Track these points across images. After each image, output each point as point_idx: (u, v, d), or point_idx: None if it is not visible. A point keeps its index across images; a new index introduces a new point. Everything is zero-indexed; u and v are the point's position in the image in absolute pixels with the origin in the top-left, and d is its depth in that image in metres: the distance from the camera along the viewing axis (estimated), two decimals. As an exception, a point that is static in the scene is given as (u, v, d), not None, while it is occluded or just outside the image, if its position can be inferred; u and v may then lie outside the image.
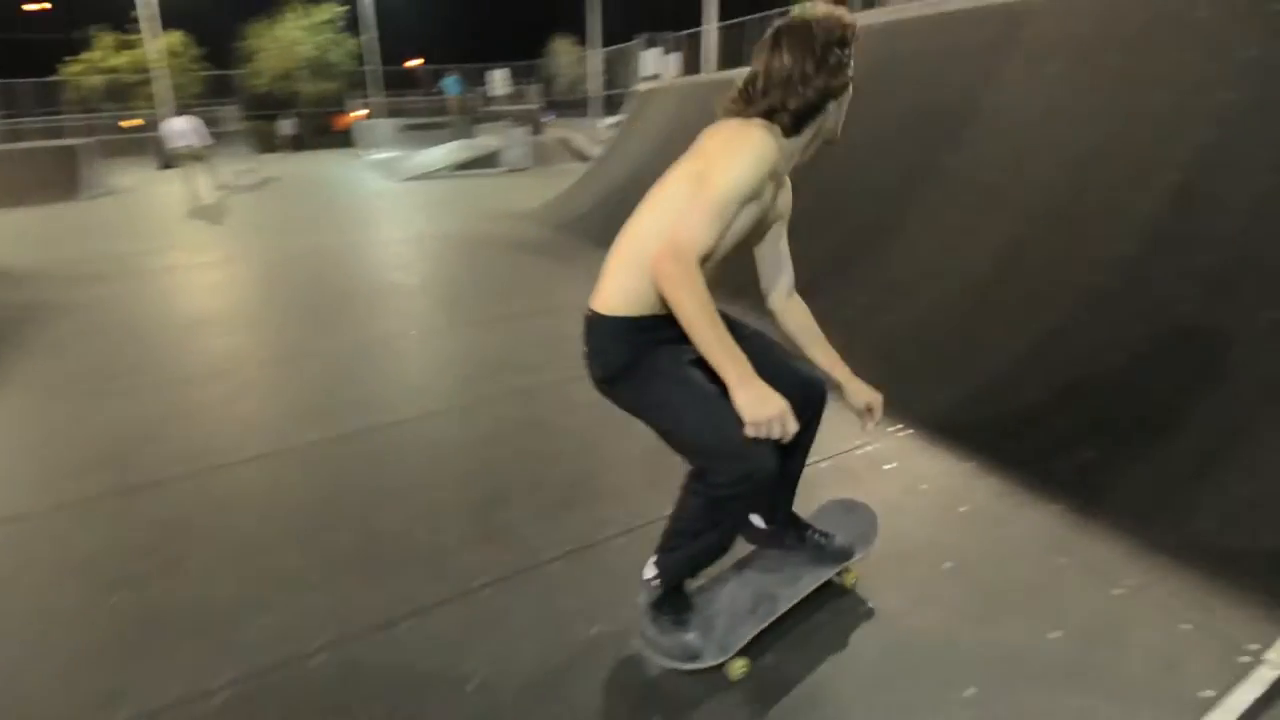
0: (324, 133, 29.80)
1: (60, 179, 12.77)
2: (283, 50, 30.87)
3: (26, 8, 33.59)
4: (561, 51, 33.49)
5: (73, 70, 28.42)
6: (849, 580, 1.94)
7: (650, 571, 1.63)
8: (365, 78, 31.43)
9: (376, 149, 22.38)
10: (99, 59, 28.87)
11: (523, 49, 32.30)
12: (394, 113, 28.48)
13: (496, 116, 17.50)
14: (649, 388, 1.48)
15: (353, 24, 32.11)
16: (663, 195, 1.47)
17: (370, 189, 12.99)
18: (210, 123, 26.81)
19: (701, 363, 1.38)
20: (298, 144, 26.42)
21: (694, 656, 1.59)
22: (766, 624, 1.68)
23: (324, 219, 9.58)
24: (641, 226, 1.48)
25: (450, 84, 28.30)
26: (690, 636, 1.61)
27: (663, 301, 1.36)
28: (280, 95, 30.75)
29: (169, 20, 29.61)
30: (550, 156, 15.94)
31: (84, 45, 28.99)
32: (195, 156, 11.63)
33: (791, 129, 1.47)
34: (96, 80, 28.41)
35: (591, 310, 1.51)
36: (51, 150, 13.43)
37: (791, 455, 1.65)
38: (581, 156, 15.74)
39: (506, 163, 14.62)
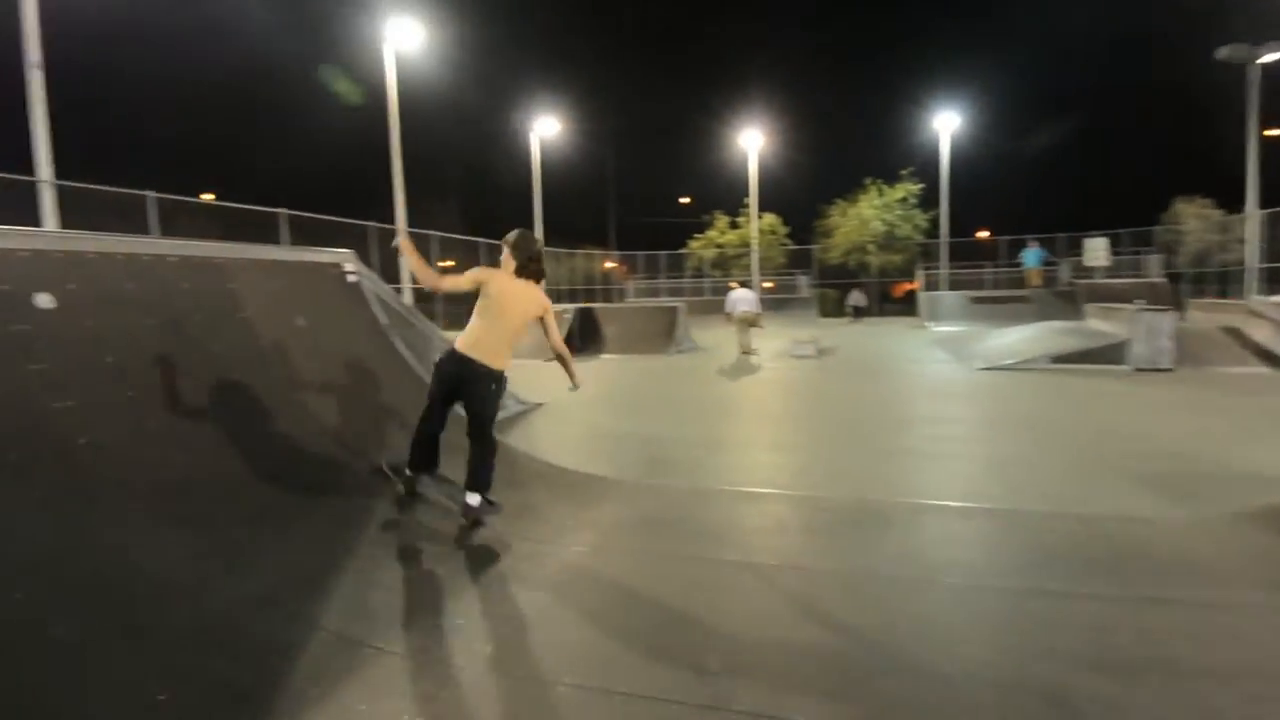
0: (886, 300, 30.01)
1: (660, 334, 14.49)
2: (857, 226, 32.75)
3: (682, 200, 44.74)
4: (1189, 214, 26.62)
5: (695, 245, 35.71)
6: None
7: (474, 499, 3.33)
8: (933, 249, 30.70)
9: (942, 321, 20.51)
10: (715, 236, 35.64)
11: (1128, 214, 26.89)
12: (959, 284, 26.64)
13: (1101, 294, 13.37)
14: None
15: (926, 200, 32.14)
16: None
17: (940, 376, 10.77)
18: (786, 289, 29.94)
19: None
20: (859, 313, 26.62)
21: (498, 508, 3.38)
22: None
23: (887, 417, 7.68)
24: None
25: (1031, 255, 24.94)
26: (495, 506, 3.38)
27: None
28: (850, 267, 32.42)
29: (768, 204, 34.95)
30: (1206, 352, 11.02)
31: (707, 226, 36.36)
32: (749, 321, 13.25)
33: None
34: (709, 253, 34.99)
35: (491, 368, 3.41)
36: (659, 310, 15.52)
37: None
38: (1269, 355, 10.39)
39: (1135, 359, 10.51)
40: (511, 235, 3.63)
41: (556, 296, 28.97)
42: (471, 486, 3.35)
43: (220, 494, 2.87)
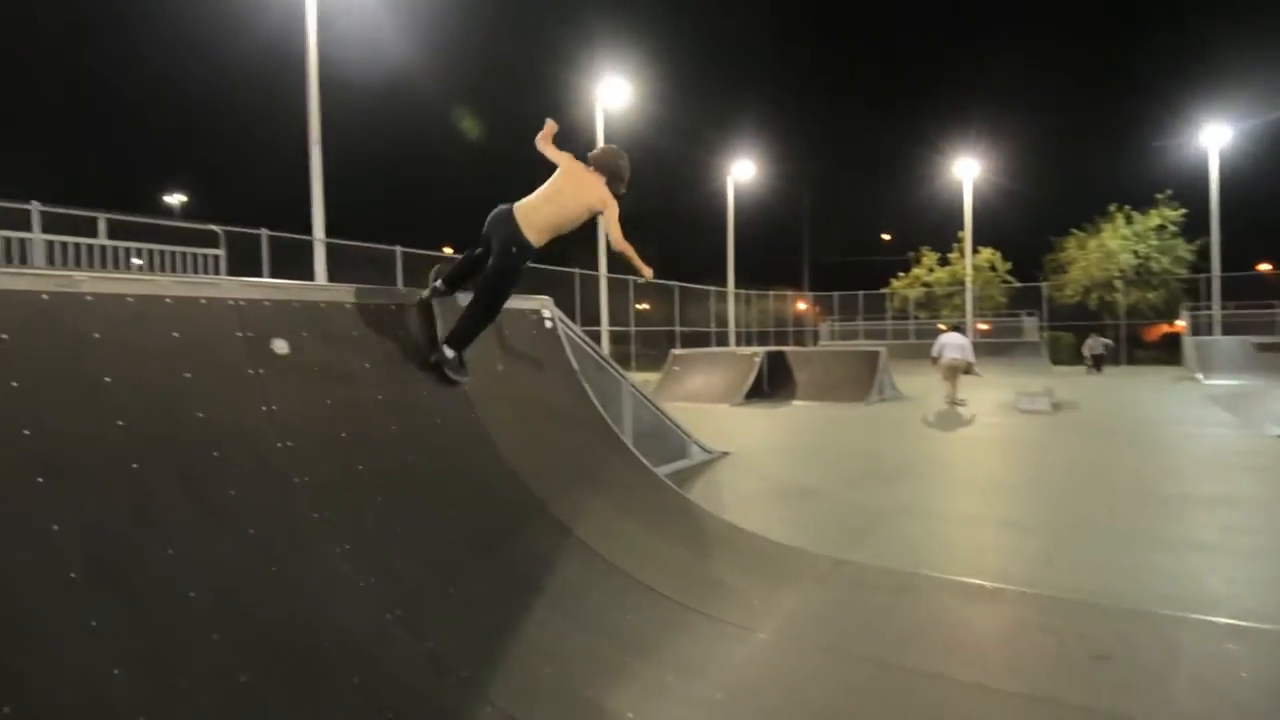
0: (1137, 345, 25.70)
1: (859, 380, 13.50)
2: (1099, 259, 28.55)
3: (883, 237, 42.38)
4: None
5: (898, 284, 33.40)
6: None
7: (448, 352, 3.67)
8: (1200, 285, 25.83)
9: (1216, 372, 16.95)
10: (921, 274, 33.08)
11: None
12: (1236, 328, 21.97)
13: None
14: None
15: (1189, 228, 27.21)
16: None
17: (1223, 443, 8.66)
18: (1009, 332, 26.75)
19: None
20: (1098, 362, 22.70)
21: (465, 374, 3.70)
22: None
23: (1155, 494, 6.21)
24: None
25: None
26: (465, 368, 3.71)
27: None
28: (1090, 307, 28.30)
29: (985, 238, 31.72)
30: None
31: (911, 263, 33.88)
32: (956, 369, 12.18)
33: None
34: (915, 292, 32.51)
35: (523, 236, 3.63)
36: (858, 354, 14.51)
37: None
38: None
39: None
40: (622, 162, 3.94)
41: (746, 339, 28.62)
42: (447, 340, 3.72)
43: (409, 541, 2.89)
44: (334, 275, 13.29)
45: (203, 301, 2.96)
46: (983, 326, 28.96)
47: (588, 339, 5.72)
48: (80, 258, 8.47)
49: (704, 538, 3.97)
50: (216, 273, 9.61)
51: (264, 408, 2.90)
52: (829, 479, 6.51)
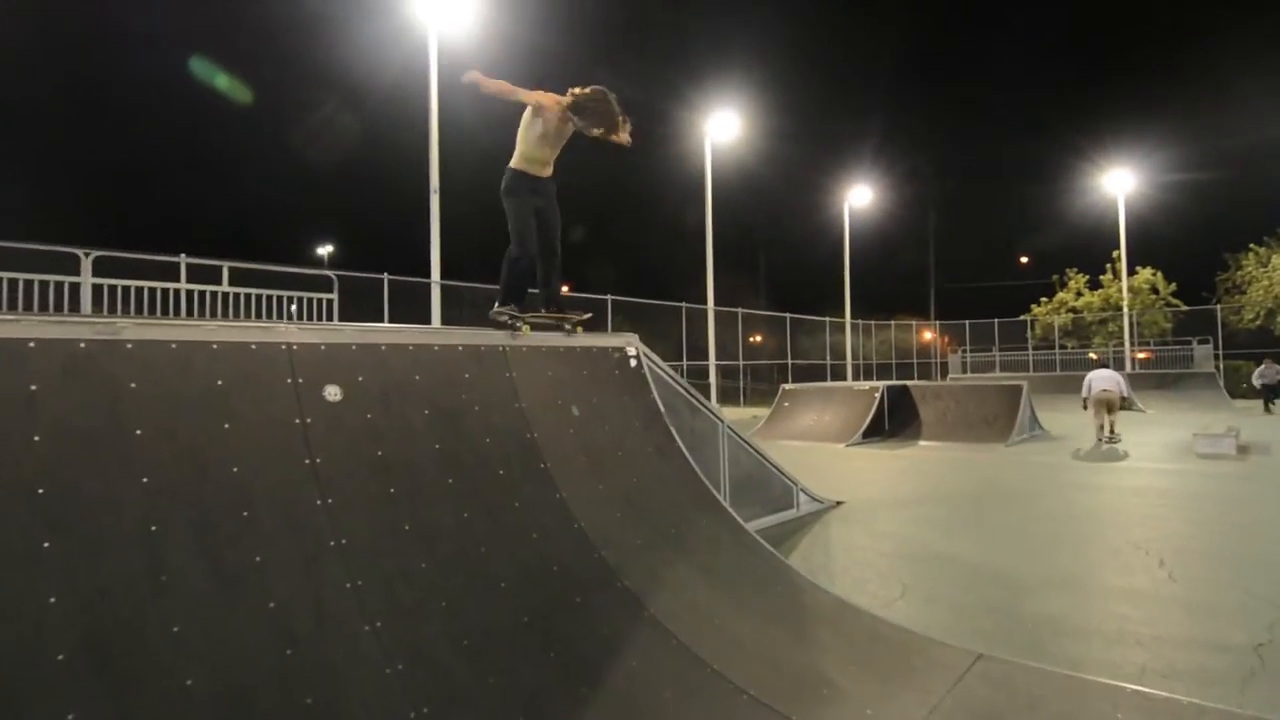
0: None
1: (998, 417, 12.10)
2: (1283, 278, 24.70)
3: (1020, 260, 39.09)
4: None
5: (1040, 310, 30.46)
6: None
7: (502, 310, 4.16)
8: None
9: None
10: (1068, 299, 30.01)
11: None
12: None
13: None
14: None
15: None
16: None
17: None
18: (1176, 362, 23.46)
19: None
20: (1272, 395, 18.04)
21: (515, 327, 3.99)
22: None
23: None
24: None
25: None
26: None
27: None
28: (1275, 332, 24.45)
29: (1144, 257, 28.31)
30: None
31: (1055, 288, 30.82)
32: (1108, 404, 11.42)
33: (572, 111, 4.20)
34: (1061, 319, 29.51)
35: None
36: (995, 389, 13.05)
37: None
38: None
39: None
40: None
41: (865, 372, 27.00)
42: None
43: (451, 617, 2.53)
44: (448, 316, 13.75)
45: (253, 347, 2.80)
46: (1142, 355, 25.68)
47: (677, 377, 5.26)
48: (207, 305, 9.19)
49: (807, 618, 3.35)
50: (330, 318, 10.12)
51: (306, 461, 2.67)
52: (964, 539, 5.60)
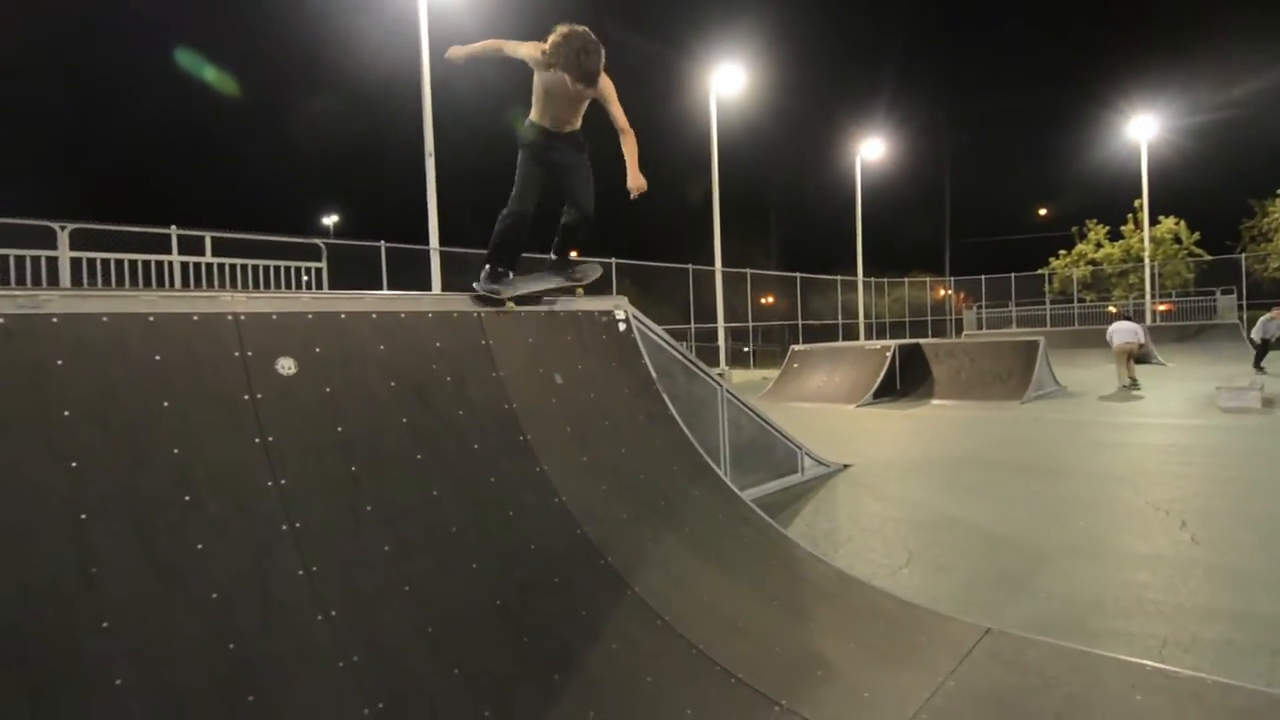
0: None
1: (1013, 374, 11.78)
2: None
3: (1039, 213, 38.03)
4: None
5: (1058, 263, 29.72)
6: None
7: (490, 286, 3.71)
8: None
9: None
10: (1088, 251, 29.24)
11: None
12: None
13: None
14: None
15: None
16: None
17: None
18: (1200, 313, 22.77)
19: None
20: (1265, 349, 15.22)
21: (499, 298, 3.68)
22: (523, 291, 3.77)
23: None
24: None
25: None
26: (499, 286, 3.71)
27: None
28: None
29: (1166, 206, 27.41)
30: None
31: (1074, 240, 30.01)
32: (1129, 352, 12.27)
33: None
34: (1080, 271, 28.79)
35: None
36: (1009, 344, 12.70)
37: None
38: None
39: None
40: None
41: (877, 331, 26.57)
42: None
43: (414, 604, 2.36)
44: (450, 284, 13.52)
45: (195, 318, 2.60)
46: (1163, 307, 25.01)
47: (672, 340, 5.02)
48: (191, 278, 9.01)
49: (804, 593, 3.17)
50: (319, 287, 9.93)
51: (256, 439, 2.49)
52: (975, 502, 5.39)
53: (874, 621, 2.97)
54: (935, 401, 11.72)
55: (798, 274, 23.74)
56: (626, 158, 3.68)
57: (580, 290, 4.32)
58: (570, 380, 3.81)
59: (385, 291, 3.37)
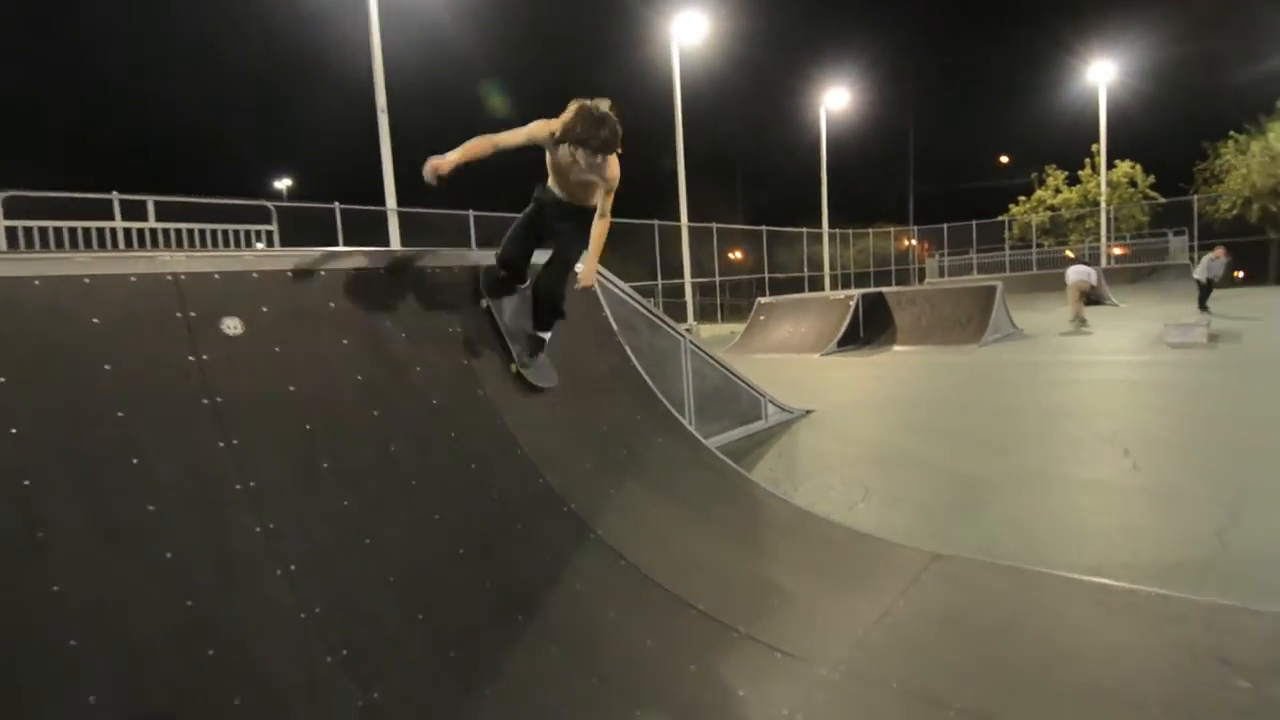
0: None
1: (971, 318, 12.04)
2: (1263, 164, 24.39)
3: (1001, 159, 38.34)
4: None
5: (1018, 209, 30.14)
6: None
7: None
8: None
9: None
10: (1046, 196, 29.67)
11: None
12: None
13: None
14: None
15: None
16: None
17: None
18: (1154, 254, 23.37)
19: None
20: (1207, 290, 15.06)
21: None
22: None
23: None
24: None
25: None
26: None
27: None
28: (1252, 221, 24.38)
29: (1123, 150, 27.82)
30: None
31: (1033, 186, 30.41)
32: (1082, 289, 13.31)
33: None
34: (1039, 217, 29.25)
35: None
36: (967, 290, 12.94)
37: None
38: None
39: None
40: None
41: (843, 282, 26.83)
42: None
43: (376, 556, 2.39)
44: (407, 244, 13.24)
45: (133, 279, 2.52)
46: (1118, 250, 25.61)
47: (634, 293, 5.02)
48: (135, 243, 8.69)
49: (763, 529, 3.27)
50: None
51: (205, 401, 2.45)
52: (930, 440, 5.57)
53: (828, 552, 3.09)
54: (897, 348, 11.95)
55: (764, 227, 23.73)
56: (592, 241, 3.40)
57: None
58: (529, 334, 3.79)
59: (335, 248, 3.30)
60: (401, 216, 13.23)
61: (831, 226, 27.05)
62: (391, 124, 13.42)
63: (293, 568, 2.21)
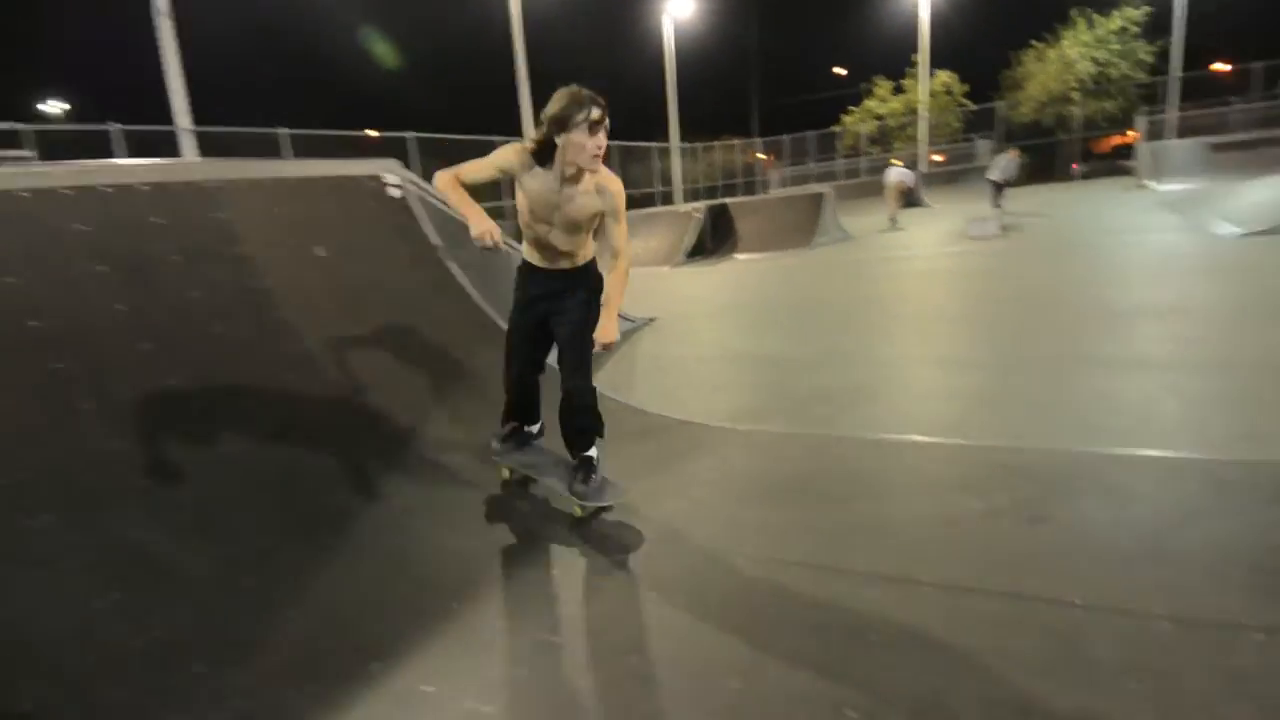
0: (1092, 158, 25.00)
1: (802, 226, 12.74)
2: (1057, 70, 27.09)
3: (837, 70, 39.79)
4: None
5: (849, 119, 31.71)
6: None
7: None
8: (1157, 90, 24.79)
9: (1169, 178, 16.41)
10: (875, 106, 31.35)
11: None
12: (1192, 130, 21.24)
13: None
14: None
15: (1153, 29, 25.60)
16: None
17: (1172, 249, 8.21)
18: (963, 158, 25.64)
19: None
20: (1000, 190, 16.90)
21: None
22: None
23: (1105, 312, 5.74)
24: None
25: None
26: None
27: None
28: (1045, 123, 27.18)
29: (943, 61, 29.77)
30: None
31: (863, 97, 32.01)
32: (900, 190, 14.89)
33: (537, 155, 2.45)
34: (867, 127, 30.96)
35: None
36: (800, 198, 13.64)
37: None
38: None
39: None
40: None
41: (694, 195, 27.31)
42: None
43: (156, 498, 2.22)
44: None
45: None
46: (938, 157, 27.83)
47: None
48: None
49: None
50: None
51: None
52: (759, 335, 5.94)
53: (648, 439, 3.26)
54: (740, 255, 12.47)
55: (615, 142, 23.39)
56: (608, 293, 2.57)
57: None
58: (334, 252, 3.56)
59: (83, 161, 2.86)
60: (199, 137, 11.67)
61: (682, 140, 27.16)
62: (182, 30, 11.59)
63: (49, 517, 2.00)
